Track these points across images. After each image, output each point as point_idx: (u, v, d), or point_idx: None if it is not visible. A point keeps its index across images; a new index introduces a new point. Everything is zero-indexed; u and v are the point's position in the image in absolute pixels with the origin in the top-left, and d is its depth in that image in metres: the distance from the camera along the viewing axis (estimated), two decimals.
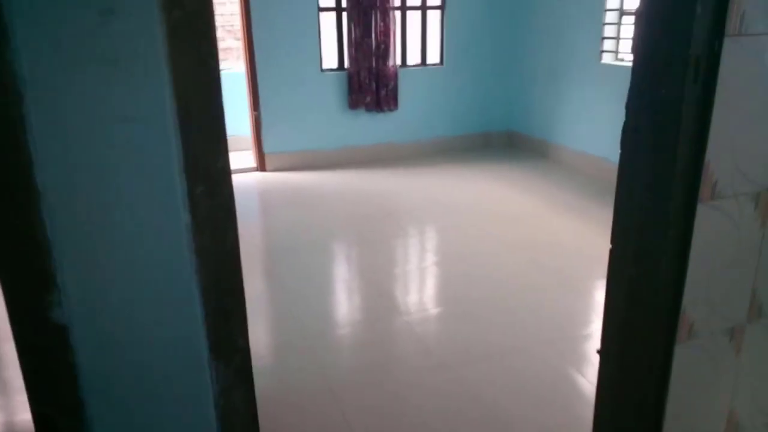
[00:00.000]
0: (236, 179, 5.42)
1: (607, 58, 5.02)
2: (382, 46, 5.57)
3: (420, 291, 3.31)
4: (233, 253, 0.96)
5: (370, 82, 5.65)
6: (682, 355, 1.51)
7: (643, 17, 1.29)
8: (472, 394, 2.34)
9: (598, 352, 1.65)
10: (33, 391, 0.91)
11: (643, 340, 1.48)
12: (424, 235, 4.09)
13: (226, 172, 0.93)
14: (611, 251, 1.52)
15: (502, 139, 6.39)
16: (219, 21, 6.32)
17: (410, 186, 5.10)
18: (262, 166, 5.57)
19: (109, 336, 0.92)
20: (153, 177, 0.89)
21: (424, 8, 5.78)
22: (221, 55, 6.40)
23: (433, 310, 3.03)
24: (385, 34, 5.53)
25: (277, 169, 5.58)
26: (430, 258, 3.67)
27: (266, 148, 5.54)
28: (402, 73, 5.79)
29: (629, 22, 4.83)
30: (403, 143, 6.01)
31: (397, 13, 5.64)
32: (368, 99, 5.69)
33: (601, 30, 4.98)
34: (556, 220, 4.21)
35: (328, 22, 5.53)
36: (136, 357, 0.96)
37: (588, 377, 2.43)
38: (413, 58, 5.93)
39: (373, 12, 5.45)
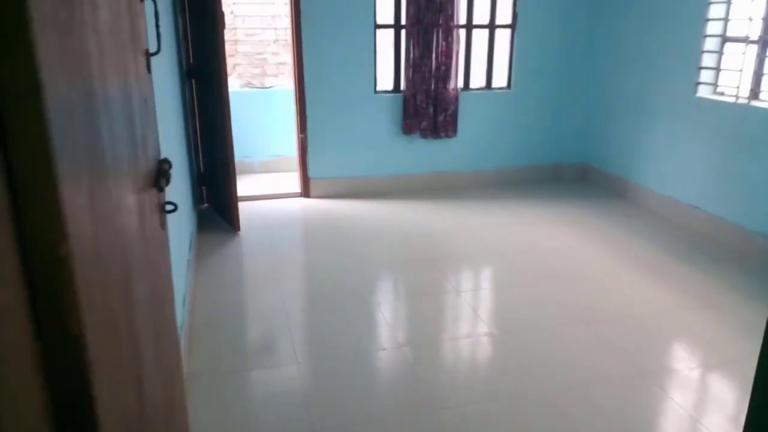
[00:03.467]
0: (278, 205, 5.07)
1: (703, 91, 4.30)
2: (443, 68, 5.06)
3: (465, 375, 2.76)
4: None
5: (427, 105, 5.15)
6: None
7: None
8: None
9: None
10: None
11: None
12: (476, 293, 3.54)
13: (67, 263, 0.47)
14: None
15: (575, 173, 5.73)
16: (272, 35, 5.99)
17: (465, 225, 4.56)
18: (306, 192, 5.17)
19: None
20: None
21: (492, 27, 5.23)
22: (274, 70, 6.08)
23: (478, 404, 2.48)
24: (447, 54, 5.02)
25: (322, 195, 5.17)
26: (480, 327, 3.12)
27: (312, 173, 5.14)
28: (463, 97, 5.26)
29: (733, 50, 4.11)
30: (460, 173, 5.47)
31: (462, 32, 5.13)
32: (424, 124, 5.19)
33: (699, 59, 4.27)
34: (635, 283, 3.55)
35: (385, 40, 5.08)
36: None
37: None
38: (477, 80, 5.39)
39: (435, 30, 4.95)
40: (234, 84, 6.00)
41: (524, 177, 5.62)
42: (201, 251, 3.95)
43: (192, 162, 4.59)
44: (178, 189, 3.05)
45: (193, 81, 4.60)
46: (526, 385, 2.58)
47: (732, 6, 4.09)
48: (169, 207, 1.53)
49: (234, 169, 4.20)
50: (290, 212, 4.88)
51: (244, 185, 5.43)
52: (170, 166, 1.48)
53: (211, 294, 3.38)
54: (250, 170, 5.93)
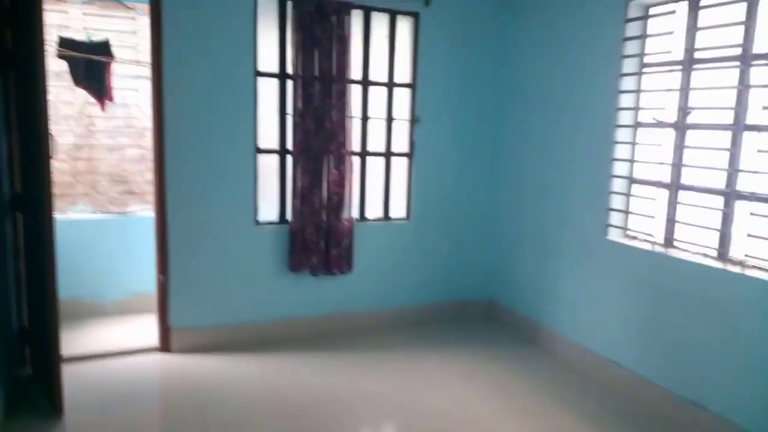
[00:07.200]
0: (128, 366, 3.77)
1: (614, 234, 3.99)
2: (336, 197, 4.46)
3: None
4: None
5: (318, 239, 4.48)
6: None
7: None
8: None
9: None
10: None
11: None
12: None
13: None
14: None
15: (480, 311, 5.21)
16: (137, 152, 5.17)
17: (361, 389, 3.77)
18: (165, 346, 4.18)
19: None
20: None
21: (388, 155, 4.78)
22: (140, 190, 5.21)
23: None
24: (340, 184, 4.44)
25: (188, 349, 4.21)
26: None
27: (174, 322, 4.20)
28: (359, 229, 4.66)
29: (641, 194, 3.86)
30: (356, 314, 4.76)
31: (356, 158, 4.61)
32: (315, 260, 4.49)
33: (607, 199, 3.99)
34: None
35: (268, 165, 4.43)
36: None
37: None
38: (374, 210, 4.84)
39: (326, 157, 4.39)
40: (85, 210, 5.04)
41: (427, 316, 5.01)
42: None
43: (9, 315, 3.54)
44: None
45: (21, 213, 3.66)
46: None
47: (637, 148, 3.88)
48: None
49: (57, 328, 3.20)
50: (141, 378, 3.84)
51: (85, 336, 4.36)
52: None
53: None
54: (101, 312, 4.86)
